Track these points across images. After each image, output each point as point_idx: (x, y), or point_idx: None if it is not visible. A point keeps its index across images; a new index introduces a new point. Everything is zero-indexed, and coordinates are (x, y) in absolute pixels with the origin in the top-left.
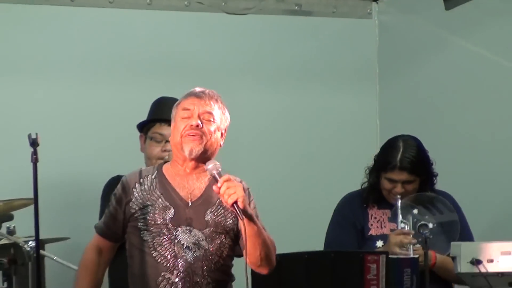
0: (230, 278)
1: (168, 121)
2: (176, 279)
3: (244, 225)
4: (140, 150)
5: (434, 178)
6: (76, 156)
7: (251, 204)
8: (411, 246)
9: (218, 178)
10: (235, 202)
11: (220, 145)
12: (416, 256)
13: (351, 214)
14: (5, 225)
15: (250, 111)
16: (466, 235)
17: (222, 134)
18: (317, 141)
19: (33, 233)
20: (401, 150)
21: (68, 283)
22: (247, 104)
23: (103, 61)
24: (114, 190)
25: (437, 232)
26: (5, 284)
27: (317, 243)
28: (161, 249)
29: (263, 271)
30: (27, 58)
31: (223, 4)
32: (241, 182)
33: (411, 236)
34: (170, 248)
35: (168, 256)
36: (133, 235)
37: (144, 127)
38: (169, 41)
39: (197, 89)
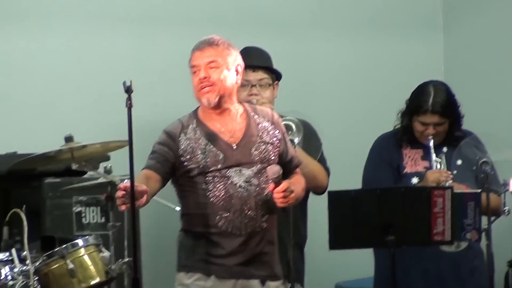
0: None
1: (252, 67)
2: (233, 216)
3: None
4: None
5: (461, 119)
6: (166, 101)
7: (284, 135)
8: (447, 183)
9: (277, 182)
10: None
11: (237, 83)
12: (479, 190)
13: (386, 153)
14: (103, 165)
15: (324, 60)
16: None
17: (237, 72)
18: (386, 86)
19: (128, 172)
20: (432, 95)
21: (160, 218)
22: (321, 53)
23: (189, 13)
24: (158, 140)
25: (452, 168)
26: (103, 219)
27: None
28: (215, 190)
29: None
30: (117, 10)
31: None
32: (272, 111)
33: (446, 173)
34: (225, 189)
35: (223, 196)
36: (184, 179)
37: None
38: None
39: (199, 41)
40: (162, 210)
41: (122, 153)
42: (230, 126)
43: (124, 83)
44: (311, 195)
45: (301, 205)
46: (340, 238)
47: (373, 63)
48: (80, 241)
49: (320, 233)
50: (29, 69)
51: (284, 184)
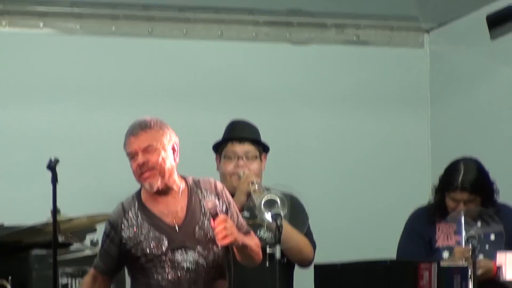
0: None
1: (238, 140)
2: None
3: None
4: (216, 169)
5: (496, 194)
6: None
7: (231, 205)
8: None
9: (215, 216)
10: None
11: (176, 161)
12: (466, 265)
13: (420, 227)
14: (89, 237)
15: (311, 133)
16: None
17: (174, 150)
18: (373, 162)
19: None
20: (462, 172)
21: None
22: (307, 127)
23: (176, 89)
24: (104, 229)
25: (484, 243)
26: None
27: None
28: (164, 274)
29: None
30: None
31: (287, 35)
32: (215, 181)
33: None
34: (172, 272)
35: (172, 279)
36: (133, 263)
37: (218, 148)
38: (237, 70)
39: (132, 125)
40: None
41: None
42: (173, 207)
43: (50, 160)
44: (296, 268)
45: (287, 278)
46: None
47: (359, 137)
48: None
49: None
50: (17, 142)
51: (221, 216)
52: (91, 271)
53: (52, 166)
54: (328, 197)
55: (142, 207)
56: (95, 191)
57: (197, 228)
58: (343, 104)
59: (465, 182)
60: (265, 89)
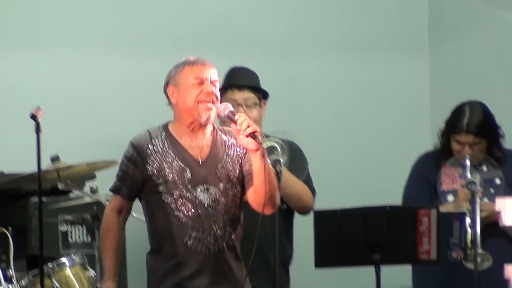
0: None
1: (238, 87)
2: (202, 236)
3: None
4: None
5: (501, 139)
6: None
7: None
8: (478, 202)
9: (233, 116)
10: (253, 133)
11: None
12: (465, 210)
13: (425, 171)
14: (89, 184)
15: (311, 79)
16: None
17: None
18: (373, 107)
19: None
20: (467, 115)
21: (144, 236)
22: (307, 73)
23: (174, 36)
24: (125, 153)
25: (489, 187)
26: (89, 238)
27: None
28: (184, 210)
29: (268, 211)
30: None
31: None
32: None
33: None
34: (193, 208)
35: (192, 216)
36: (152, 196)
37: None
38: (237, 15)
39: (194, 58)
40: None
41: (108, 172)
42: (199, 142)
43: (30, 111)
44: (296, 214)
45: (287, 224)
46: (326, 257)
47: (359, 83)
48: (66, 260)
49: (306, 251)
50: (15, 89)
51: (240, 114)
52: (111, 205)
53: (34, 115)
54: (328, 144)
55: (170, 136)
56: (94, 138)
57: (219, 166)
58: (343, 49)
59: (470, 125)
60: (264, 35)
